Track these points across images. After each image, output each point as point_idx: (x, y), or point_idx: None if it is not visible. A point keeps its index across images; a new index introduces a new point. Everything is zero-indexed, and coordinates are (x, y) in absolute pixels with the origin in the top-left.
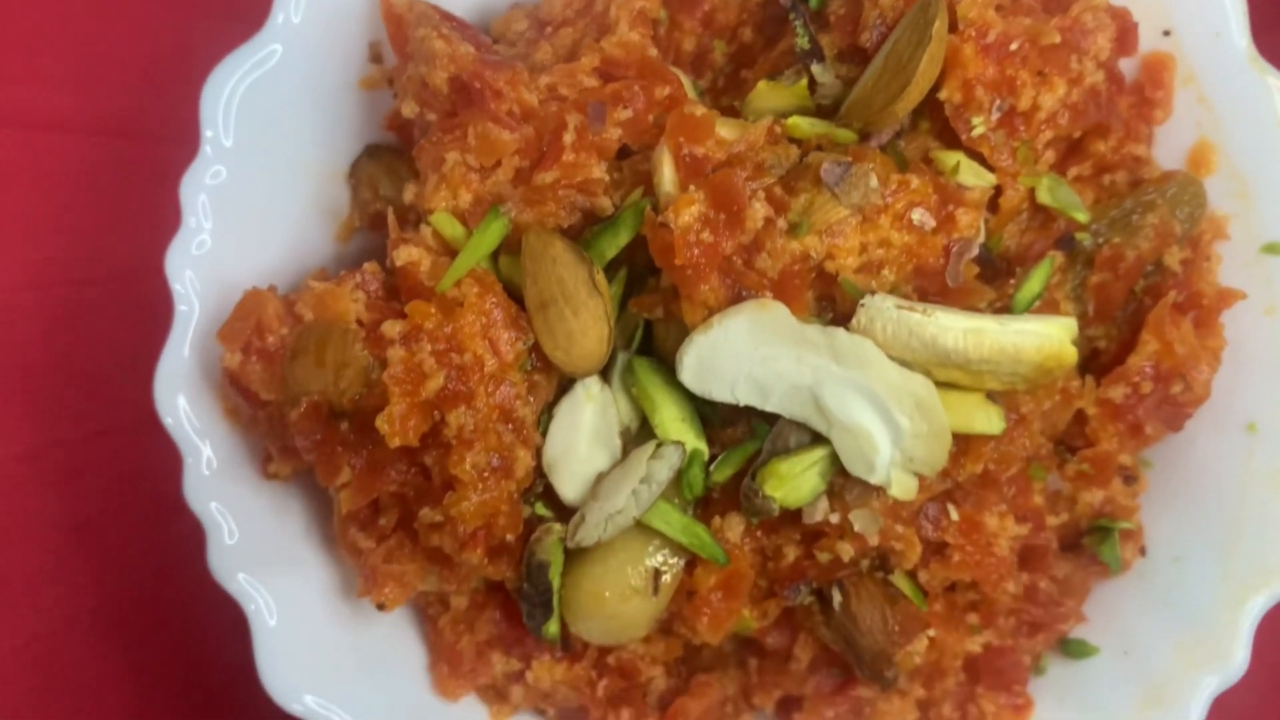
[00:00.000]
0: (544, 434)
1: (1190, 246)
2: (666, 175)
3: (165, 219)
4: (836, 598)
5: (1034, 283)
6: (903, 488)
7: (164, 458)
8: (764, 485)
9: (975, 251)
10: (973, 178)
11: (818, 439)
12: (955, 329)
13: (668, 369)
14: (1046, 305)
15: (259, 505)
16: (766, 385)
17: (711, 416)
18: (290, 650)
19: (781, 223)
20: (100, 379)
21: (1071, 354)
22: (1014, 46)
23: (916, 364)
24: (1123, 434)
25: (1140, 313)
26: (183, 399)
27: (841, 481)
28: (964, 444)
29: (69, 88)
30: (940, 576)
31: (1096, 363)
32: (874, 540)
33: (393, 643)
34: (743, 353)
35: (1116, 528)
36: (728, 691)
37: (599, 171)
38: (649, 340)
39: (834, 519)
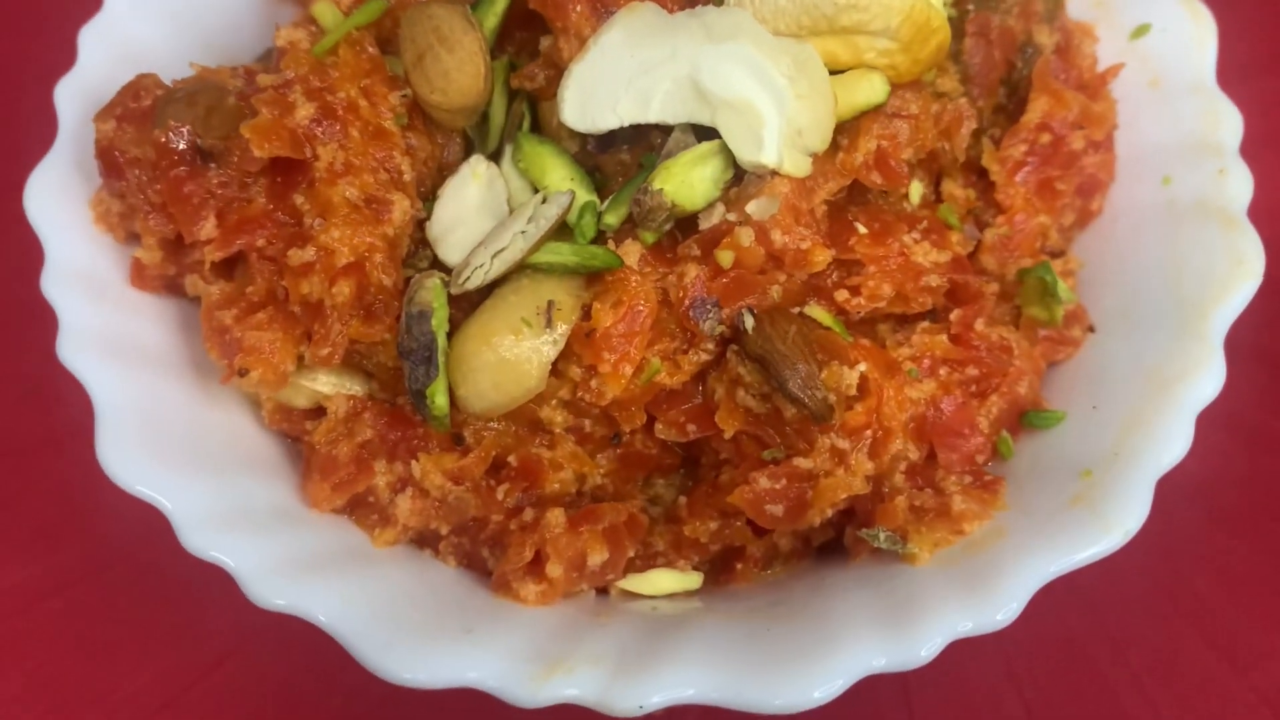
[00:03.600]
0: (429, 215)
1: (1061, 35)
2: None
3: None
4: (748, 321)
5: None
6: (795, 164)
7: None
8: (654, 182)
9: None
10: None
11: (707, 140)
12: None
13: (555, 143)
14: None
15: (125, 312)
16: (648, 92)
17: (603, 182)
18: (137, 436)
19: None
20: None
21: (940, 15)
22: None
23: (789, 34)
24: (1034, 193)
25: (1026, 95)
26: (52, 200)
27: (736, 188)
28: (854, 126)
29: None
30: (858, 296)
31: None
32: (777, 238)
33: (262, 454)
34: (621, 65)
35: (1046, 268)
36: (657, 547)
37: None
38: (536, 130)
39: (731, 217)
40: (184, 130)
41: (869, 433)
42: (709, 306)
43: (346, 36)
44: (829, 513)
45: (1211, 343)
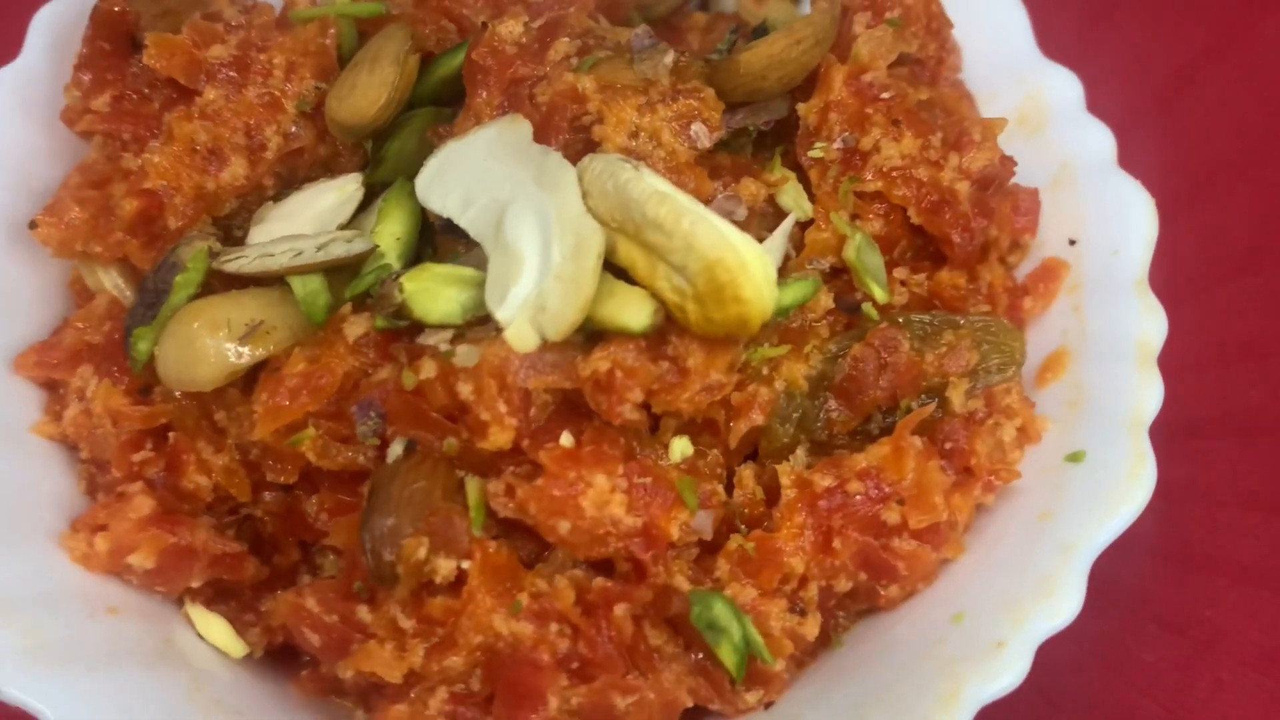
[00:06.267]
0: (280, 199)
1: (985, 405)
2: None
3: None
4: (396, 449)
5: (789, 293)
6: (519, 336)
7: None
8: (405, 275)
9: (740, 214)
10: (790, 200)
11: None
12: (647, 185)
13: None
14: (792, 336)
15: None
16: (471, 198)
17: (433, 258)
18: None
19: (574, 62)
20: None
21: (755, 285)
22: (885, 95)
23: (604, 219)
24: (808, 535)
25: None
26: (56, 20)
27: (475, 328)
28: (605, 337)
29: None
30: (509, 499)
31: None
32: (464, 392)
33: (34, 317)
34: (474, 163)
35: (703, 597)
36: (266, 604)
37: (481, 19)
38: None
39: (444, 347)
40: (126, 13)
41: (440, 631)
42: (371, 414)
43: (323, 17)
44: (350, 674)
45: None
